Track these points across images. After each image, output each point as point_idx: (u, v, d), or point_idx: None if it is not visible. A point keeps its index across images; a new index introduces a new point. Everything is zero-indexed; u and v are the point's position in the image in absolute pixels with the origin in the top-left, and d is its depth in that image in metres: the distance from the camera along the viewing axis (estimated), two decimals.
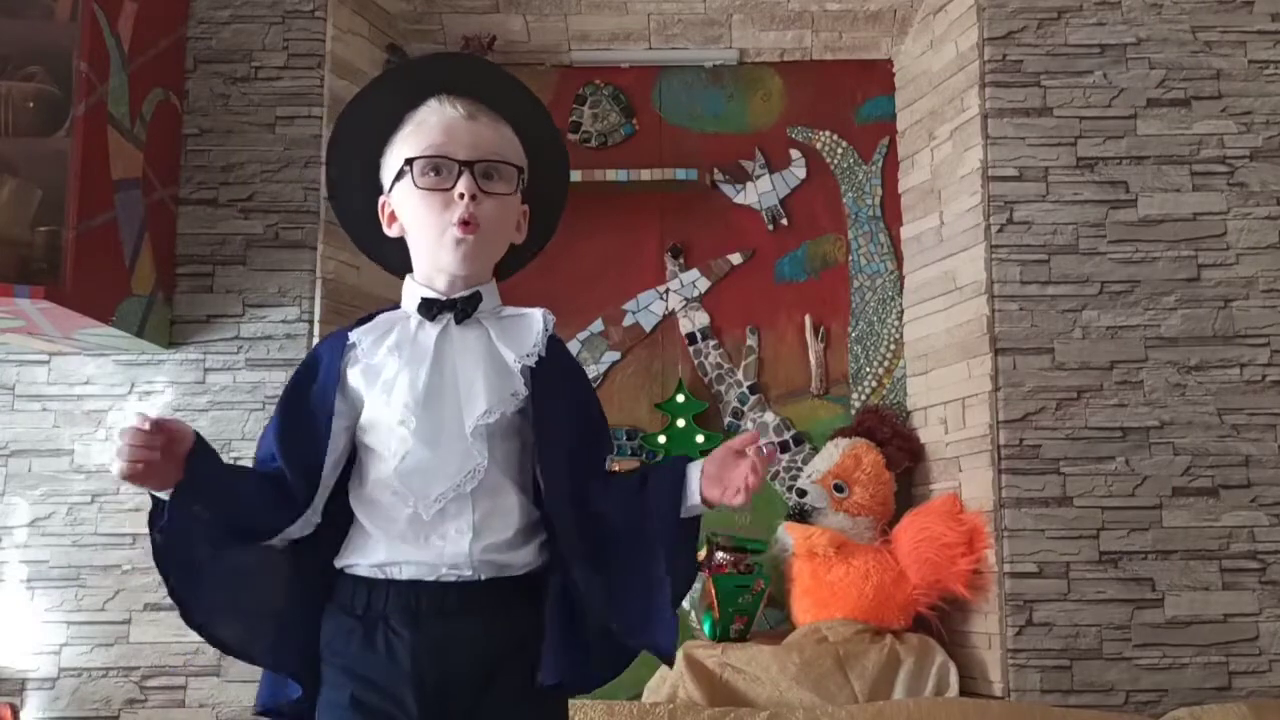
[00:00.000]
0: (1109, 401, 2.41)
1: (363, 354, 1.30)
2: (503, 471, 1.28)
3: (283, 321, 2.46)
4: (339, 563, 1.29)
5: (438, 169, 1.30)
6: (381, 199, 1.38)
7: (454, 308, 1.31)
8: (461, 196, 1.28)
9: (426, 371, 1.27)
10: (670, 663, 1.30)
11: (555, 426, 1.30)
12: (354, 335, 1.32)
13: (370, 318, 1.36)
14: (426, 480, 1.24)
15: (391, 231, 1.37)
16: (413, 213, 1.32)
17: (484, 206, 1.30)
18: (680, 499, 1.28)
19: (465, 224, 1.28)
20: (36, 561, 2.39)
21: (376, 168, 1.38)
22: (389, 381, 1.28)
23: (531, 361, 1.29)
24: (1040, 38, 2.54)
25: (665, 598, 1.26)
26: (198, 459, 1.19)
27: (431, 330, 1.31)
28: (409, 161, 1.31)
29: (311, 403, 1.30)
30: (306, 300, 2.47)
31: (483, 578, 1.25)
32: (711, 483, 1.26)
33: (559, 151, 1.45)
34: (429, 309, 1.32)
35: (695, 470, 1.28)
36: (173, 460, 1.17)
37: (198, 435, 1.20)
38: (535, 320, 1.32)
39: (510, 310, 1.35)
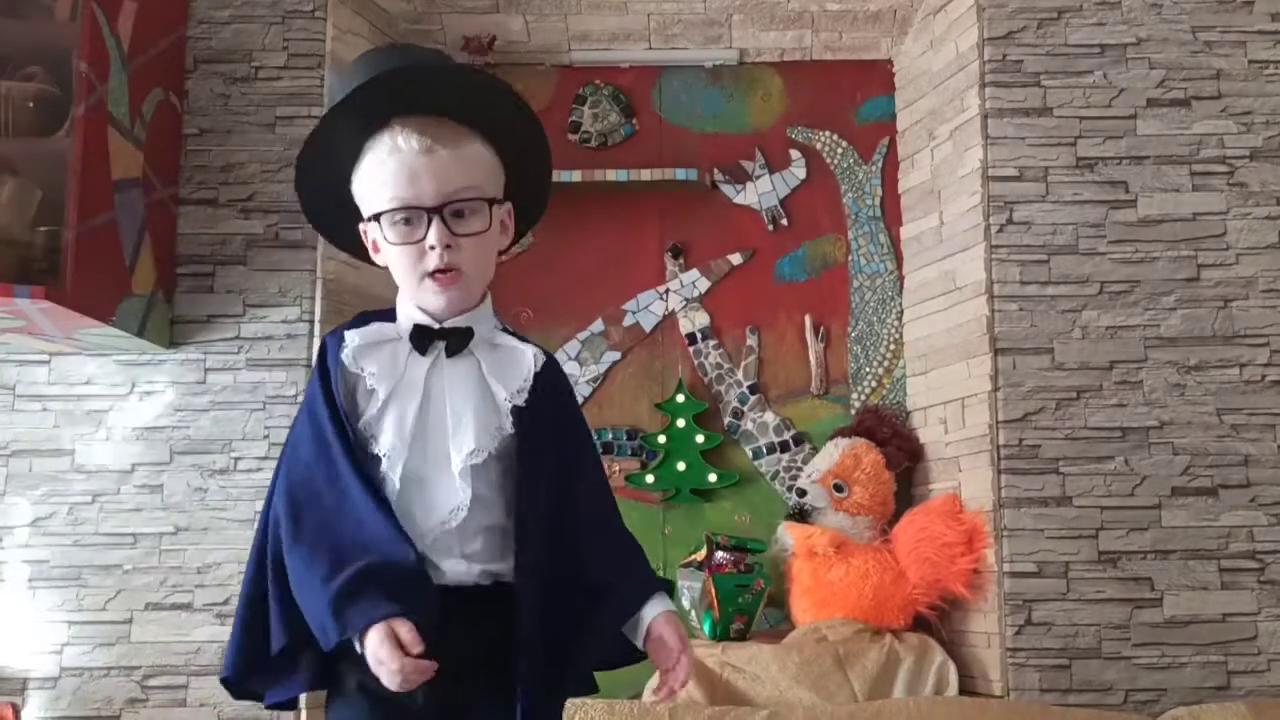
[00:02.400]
0: (1109, 401, 2.41)
1: (353, 361, 1.29)
2: (497, 490, 1.29)
3: (283, 322, 2.46)
4: None
5: (407, 219, 1.27)
6: (362, 226, 1.34)
7: (445, 337, 1.30)
8: (433, 248, 1.26)
9: (415, 409, 1.27)
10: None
11: (541, 460, 1.30)
12: (348, 335, 1.31)
13: (363, 320, 1.34)
14: (412, 521, 1.25)
15: (379, 260, 1.35)
16: (391, 261, 1.31)
17: (460, 253, 1.27)
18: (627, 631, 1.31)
19: (442, 273, 1.27)
20: (38, 561, 2.39)
21: (349, 194, 1.33)
22: (374, 416, 1.27)
23: (521, 401, 1.28)
24: (1040, 38, 2.54)
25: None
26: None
27: (422, 363, 1.29)
28: (375, 217, 1.28)
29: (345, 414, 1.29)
30: (307, 300, 2.47)
31: (483, 584, 1.27)
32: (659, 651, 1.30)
33: (535, 133, 1.37)
34: (420, 339, 1.30)
35: (651, 615, 1.30)
36: None
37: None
38: (527, 358, 1.31)
39: (504, 339, 1.34)
